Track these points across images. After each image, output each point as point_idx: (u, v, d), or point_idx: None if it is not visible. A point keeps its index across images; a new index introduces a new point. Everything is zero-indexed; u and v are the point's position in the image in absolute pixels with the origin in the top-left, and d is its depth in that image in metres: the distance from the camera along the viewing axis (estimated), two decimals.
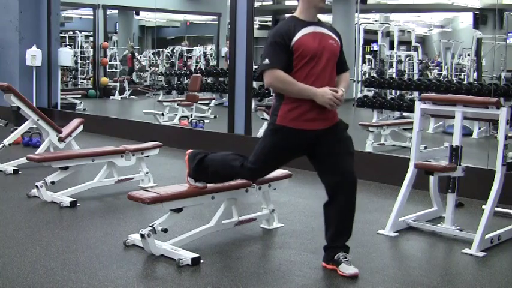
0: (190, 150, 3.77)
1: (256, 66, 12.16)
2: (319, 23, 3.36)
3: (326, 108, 3.27)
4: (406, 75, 11.73)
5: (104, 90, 13.91)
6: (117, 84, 14.33)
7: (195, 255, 3.49)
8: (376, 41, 13.10)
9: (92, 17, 14.71)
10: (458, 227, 4.19)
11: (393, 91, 10.79)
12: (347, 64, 3.49)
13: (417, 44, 12.66)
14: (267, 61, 3.23)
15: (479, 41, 10.39)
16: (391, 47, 12.59)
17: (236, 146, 7.17)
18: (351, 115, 8.55)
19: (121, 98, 13.99)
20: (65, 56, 9.95)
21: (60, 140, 6.52)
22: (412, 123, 4.79)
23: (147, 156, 5.53)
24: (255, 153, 3.40)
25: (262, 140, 3.42)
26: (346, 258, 3.39)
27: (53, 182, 4.89)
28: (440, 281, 3.36)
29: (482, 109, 4.08)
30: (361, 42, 11.67)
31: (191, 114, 9.99)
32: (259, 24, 19.69)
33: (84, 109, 11.13)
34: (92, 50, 15.14)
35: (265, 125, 8.00)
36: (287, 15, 3.44)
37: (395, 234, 4.19)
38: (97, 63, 14.08)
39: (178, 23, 19.75)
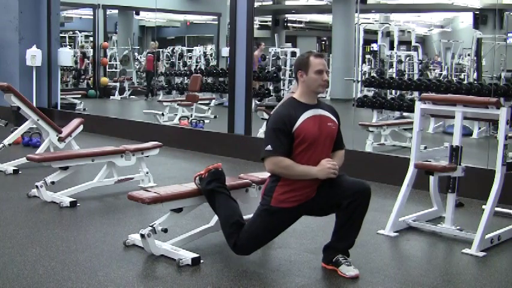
0: (218, 167, 3.70)
1: (256, 66, 12.22)
2: (318, 105, 3.42)
3: (318, 184, 3.35)
4: (406, 75, 11.72)
5: (104, 90, 13.91)
6: (117, 84, 14.33)
7: (195, 255, 3.49)
8: (376, 41, 13.09)
9: (92, 17, 14.72)
10: (458, 227, 4.19)
11: (393, 91, 10.79)
12: (343, 143, 3.55)
13: (417, 44, 12.66)
14: (269, 147, 3.29)
15: (479, 41, 10.39)
16: (391, 47, 12.59)
17: (236, 146, 7.18)
18: (351, 115, 8.55)
19: (121, 98, 13.99)
20: (65, 56, 9.95)
21: (60, 140, 6.52)
22: (412, 123, 4.80)
23: (147, 156, 5.53)
24: (248, 233, 3.42)
25: (255, 220, 3.43)
26: (346, 259, 3.40)
27: (53, 182, 4.90)
28: (440, 281, 3.36)
29: (482, 109, 4.08)
30: (361, 42, 11.67)
31: (191, 114, 9.99)
32: (259, 24, 19.70)
33: (84, 109, 11.13)
34: (92, 50, 15.14)
35: (265, 125, 8.02)
36: (287, 98, 3.49)
37: (395, 234, 4.19)
38: (97, 63, 14.07)
39: (178, 23, 19.74)
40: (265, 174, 4.07)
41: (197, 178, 3.72)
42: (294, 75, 3.44)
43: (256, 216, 3.45)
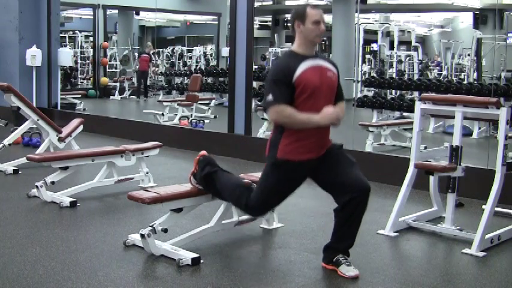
0: (203, 154, 3.74)
1: (256, 66, 12.22)
2: (317, 56, 3.41)
3: (324, 136, 3.36)
4: (406, 75, 11.73)
5: (104, 90, 13.91)
6: (117, 84, 14.33)
7: (195, 255, 3.49)
8: (376, 41, 13.10)
9: (92, 17, 14.71)
10: (458, 227, 4.19)
11: (393, 91, 10.79)
12: (343, 95, 3.53)
13: (417, 44, 12.66)
14: (270, 97, 3.27)
15: (479, 41, 10.39)
16: (391, 47, 12.59)
17: (236, 146, 7.18)
18: (351, 115, 8.55)
19: (121, 98, 13.99)
20: (65, 56, 9.95)
21: (60, 140, 6.52)
22: (412, 123, 4.80)
23: (147, 156, 5.53)
24: (258, 192, 3.42)
25: (264, 178, 3.42)
26: (346, 259, 3.40)
27: (53, 182, 4.90)
28: (440, 281, 3.36)
29: (482, 109, 4.08)
30: (361, 42, 11.67)
31: (191, 114, 9.99)
32: (259, 24, 19.70)
33: (84, 109, 11.13)
34: (92, 50, 15.14)
35: (265, 125, 8.03)
36: (285, 50, 3.47)
37: (395, 234, 4.19)
38: (97, 63, 14.07)
39: (178, 23, 19.74)
40: None
41: (192, 178, 3.73)
42: (291, 27, 3.41)
43: (264, 172, 3.43)
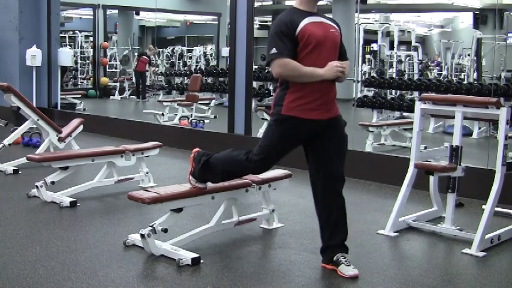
0: (197, 150, 3.75)
1: (256, 66, 12.23)
2: (318, 14, 3.40)
3: (330, 94, 3.32)
4: (406, 75, 11.73)
5: (104, 90, 13.91)
6: (117, 84, 14.33)
7: (195, 255, 3.49)
8: (376, 41, 13.10)
9: (92, 17, 14.72)
10: (458, 227, 4.19)
11: (393, 91, 10.79)
12: (347, 54, 3.50)
13: (417, 44, 12.66)
14: (274, 50, 3.23)
15: (479, 41, 10.39)
16: (391, 47, 12.59)
17: (236, 146, 7.17)
18: (351, 115, 8.54)
19: (121, 98, 13.99)
20: (65, 56, 9.95)
21: (60, 140, 6.52)
22: (412, 123, 4.80)
23: (147, 156, 5.53)
24: (260, 145, 3.39)
25: (267, 131, 3.41)
26: (345, 258, 3.39)
27: (53, 182, 4.89)
28: (440, 281, 3.36)
29: (482, 109, 4.08)
30: (361, 42, 11.67)
31: (191, 114, 9.99)
32: (259, 24, 19.68)
33: (84, 109, 11.13)
34: (92, 50, 15.14)
35: (265, 125, 8.02)
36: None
37: (395, 234, 4.19)
38: (97, 63, 14.07)
39: (178, 23, 19.74)
40: (266, 174, 4.09)
41: (191, 177, 3.72)
42: None
43: (268, 127, 3.40)
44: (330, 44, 3.31)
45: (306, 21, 3.27)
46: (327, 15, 3.50)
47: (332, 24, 3.39)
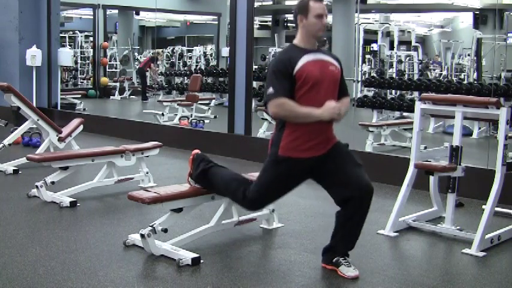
0: (196, 152, 3.75)
1: (256, 66, 12.22)
2: (318, 50, 3.38)
3: (327, 133, 3.31)
4: (406, 75, 11.73)
5: (104, 90, 13.91)
6: (117, 84, 14.33)
7: (195, 255, 3.49)
8: (376, 41, 13.10)
9: (92, 17, 14.71)
10: (458, 227, 4.19)
11: (393, 91, 10.79)
12: (347, 90, 3.49)
13: (417, 44, 12.66)
14: (271, 90, 3.23)
15: (479, 41, 10.39)
16: (391, 47, 12.59)
17: (236, 146, 7.18)
18: (351, 115, 8.55)
19: (121, 98, 13.99)
20: (65, 56, 9.95)
21: (60, 140, 6.52)
22: (412, 123, 4.80)
23: (147, 156, 5.53)
24: (257, 185, 3.38)
25: (264, 172, 3.39)
26: (346, 260, 3.40)
27: (53, 182, 4.89)
28: (440, 281, 3.36)
29: (482, 109, 4.08)
30: (361, 42, 11.66)
31: (191, 114, 9.99)
32: (259, 24, 19.69)
33: (84, 109, 11.13)
34: (92, 50, 15.14)
35: (265, 125, 8.03)
36: (287, 44, 3.46)
37: (395, 234, 4.19)
38: (97, 63, 14.06)
39: (178, 23, 19.74)
40: None
41: (189, 179, 3.72)
42: (293, 20, 3.41)
43: (264, 168, 3.38)
44: (328, 82, 3.30)
45: (305, 59, 3.26)
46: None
47: (332, 60, 3.37)
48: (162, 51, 15.91)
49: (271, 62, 3.40)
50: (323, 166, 3.33)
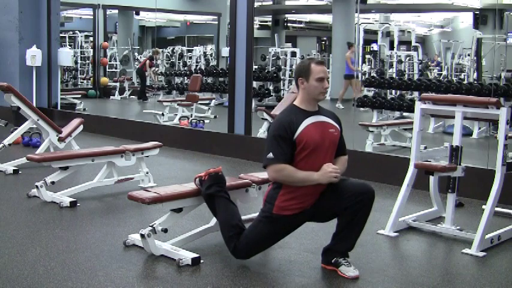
0: (218, 170, 3.66)
1: (256, 66, 12.24)
2: (319, 112, 3.41)
3: (320, 190, 3.35)
4: (406, 75, 11.73)
5: (104, 90, 13.91)
6: (117, 84, 14.33)
7: (195, 255, 3.49)
8: (376, 41, 13.11)
9: (92, 17, 14.71)
10: (458, 227, 4.19)
11: (393, 91, 10.80)
12: (345, 149, 3.53)
13: (417, 44, 12.66)
14: (271, 155, 3.27)
15: (479, 41, 10.39)
16: (391, 47, 12.60)
17: (236, 146, 7.18)
18: (351, 115, 8.55)
19: (121, 98, 13.99)
20: (65, 56, 9.95)
21: (60, 140, 6.52)
22: (412, 123, 4.80)
23: (147, 156, 5.53)
24: (248, 239, 3.40)
25: (256, 226, 3.42)
26: (346, 260, 3.40)
27: (53, 182, 4.90)
28: (440, 281, 3.36)
29: (482, 109, 4.08)
30: (361, 42, 11.67)
31: (191, 114, 9.99)
32: (259, 24, 19.72)
33: (84, 109, 11.13)
34: (92, 50, 15.14)
35: (265, 125, 8.03)
36: (288, 100, 3.49)
37: (395, 234, 4.19)
38: (97, 63, 14.07)
39: (178, 23, 19.75)
40: (266, 175, 4.08)
41: (197, 179, 3.72)
42: (295, 82, 3.44)
43: (258, 222, 3.43)
44: (327, 145, 3.34)
45: (306, 123, 3.29)
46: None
47: (332, 122, 3.40)
48: (162, 51, 15.92)
49: (272, 124, 3.43)
50: (318, 206, 3.38)
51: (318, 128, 3.33)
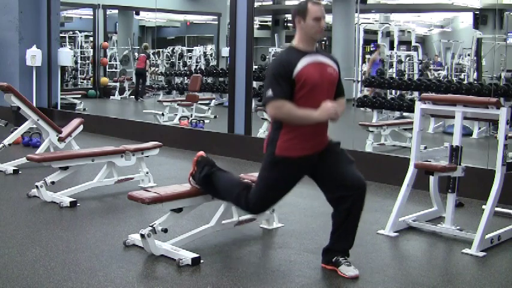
0: (201, 154, 3.74)
1: (256, 66, 12.24)
2: (317, 52, 3.39)
3: (322, 133, 3.36)
4: (406, 75, 11.73)
5: (104, 90, 13.91)
6: (117, 84, 14.33)
7: (195, 255, 3.49)
8: (376, 41, 13.11)
9: (92, 17, 14.72)
10: (458, 227, 4.19)
11: (393, 91, 10.79)
12: (343, 91, 3.52)
13: (417, 44, 12.67)
14: (270, 93, 3.25)
15: (479, 41, 10.39)
16: (391, 47, 12.60)
17: (236, 146, 7.18)
18: (351, 115, 8.55)
19: (121, 98, 13.99)
20: (65, 56, 9.95)
21: (60, 140, 6.52)
22: (412, 123, 4.80)
23: (147, 156, 5.53)
24: (257, 189, 3.40)
25: (262, 175, 3.41)
26: (346, 259, 3.40)
27: (53, 182, 4.90)
28: (440, 281, 3.36)
29: (482, 109, 4.08)
30: (361, 42, 11.67)
31: (191, 114, 9.99)
32: (259, 24, 19.72)
33: (84, 109, 11.13)
34: (92, 50, 15.14)
35: (265, 125, 8.03)
36: (287, 44, 3.47)
37: (395, 234, 4.19)
38: (97, 63, 14.07)
39: (178, 23, 19.76)
40: None
41: (191, 178, 3.72)
42: (292, 22, 3.42)
43: (262, 171, 3.40)
44: (326, 85, 3.32)
45: (304, 62, 3.27)
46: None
47: (330, 63, 3.39)
48: (162, 51, 15.92)
49: (270, 64, 3.43)
50: (318, 165, 3.37)
51: (316, 67, 3.30)
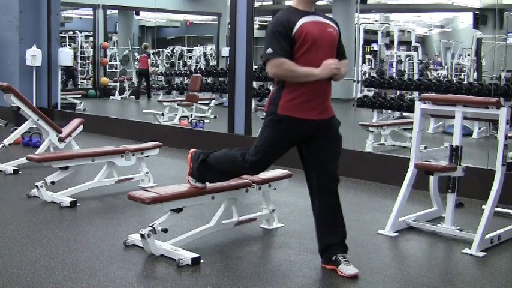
0: (194, 150, 3.76)
1: (256, 66, 12.24)
2: (316, 13, 3.38)
3: (325, 98, 3.33)
4: (406, 75, 11.73)
5: (104, 90, 13.92)
6: (117, 84, 14.33)
7: (195, 255, 3.49)
8: (376, 41, 13.11)
9: (92, 17, 14.72)
10: (458, 227, 4.19)
11: (393, 91, 10.80)
12: (345, 53, 3.49)
13: (417, 44, 12.67)
14: (270, 50, 3.23)
15: (479, 41, 10.40)
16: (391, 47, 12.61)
17: (236, 146, 7.17)
18: (351, 115, 8.55)
19: (121, 98, 13.99)
20: (65, 56, 9.95)
21: (60, 140, 6.52)
22: (412, 123, 4.80)
23: (147, 156, 5.53)
24: (256, 145, 3.39)
25: (262, 132, 3.39)
26: (345, 258, 3.39)
27: (53, 182, 4.89)
28: (440, 281, 3.36)
29: (482, 109, 4.08)
30: (361, 42, 11.67)
31: (191, 114, 9.99)
32: (259, 24, 19.69)
33: (84, 109, 11.14)
34: (92, 50, 15.14)
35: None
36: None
37: (395, 234, 4.19)
38: (97, 63, 14.07)
39: (178, 23, 19.76)
40: (266, 174, 4.09)
41: (189, 178, 3.72)
42: None
43: (263, 128, 3.38)
44: (326, 44, 3.30)
45: (303, 20, 3.25)
46: (327, 15, 3.49)
47: (330, 23, 3.38)
48: (162, 51, 15.93)
49: (270, 22, 3.38)
50: (311, 141, 3.37)
51: (316, 25, 3.28)
